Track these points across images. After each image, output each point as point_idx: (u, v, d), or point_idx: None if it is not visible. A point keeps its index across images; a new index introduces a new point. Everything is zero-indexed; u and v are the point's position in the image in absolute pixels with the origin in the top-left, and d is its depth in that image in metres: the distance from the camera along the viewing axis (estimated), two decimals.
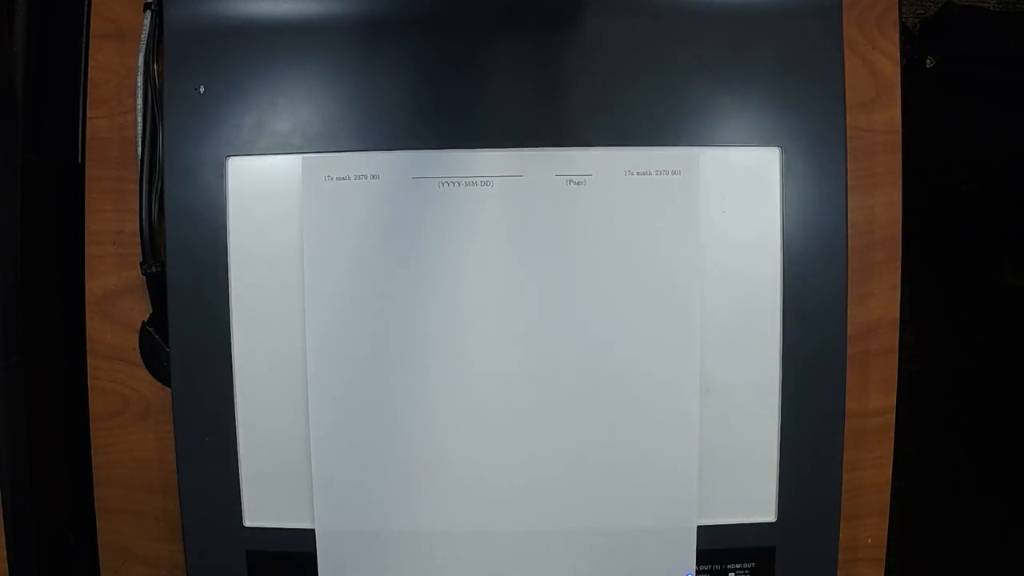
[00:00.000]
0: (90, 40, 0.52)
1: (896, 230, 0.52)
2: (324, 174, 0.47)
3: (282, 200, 0.47)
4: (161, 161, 0.48)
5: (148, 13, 0.49)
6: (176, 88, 0.48)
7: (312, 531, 0.48)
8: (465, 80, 0.47)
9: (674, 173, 0.47)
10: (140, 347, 0.51)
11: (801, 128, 0.47)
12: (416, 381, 0.47)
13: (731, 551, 0.49)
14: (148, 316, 0.51)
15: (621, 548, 0.48)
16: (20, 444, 0.50)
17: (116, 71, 0.51)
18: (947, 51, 0.86)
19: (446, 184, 0.47)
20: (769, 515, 0.49)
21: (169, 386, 0.49)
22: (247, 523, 0.49)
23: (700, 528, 0.48)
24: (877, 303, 0.52)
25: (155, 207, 0.49)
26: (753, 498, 0.48)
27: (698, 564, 0.49)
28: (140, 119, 0.49)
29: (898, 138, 0.51)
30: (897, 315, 0.52)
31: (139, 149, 0.49)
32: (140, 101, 0.49)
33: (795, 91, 0.47)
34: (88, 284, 0.52)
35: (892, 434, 0.52)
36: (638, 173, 0.47)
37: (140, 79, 0.49)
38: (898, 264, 0.51)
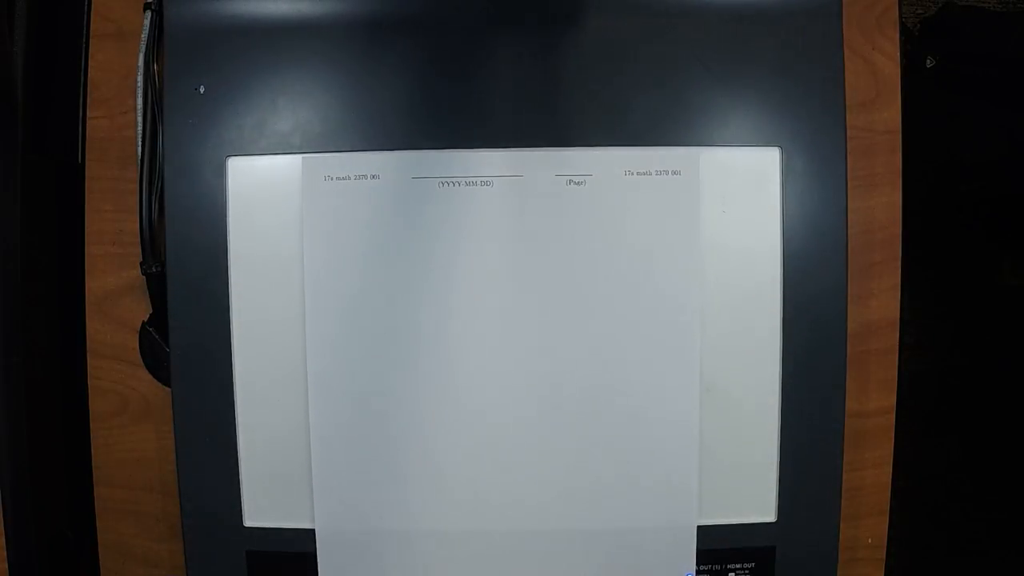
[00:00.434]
0: (90, 40, 0.52)
1: (896, 230, 0.52)
2: (324, 174, 0.47)
3: (282, 200, 0.47)
4: (161, 161, 0.48)
5: (148, 13, 0.49)
6: (176, 88, 0.48)
7: (312, 531, 0.48)
8: (465, 80, 0.47)
9: (674, 173, 0.47)
10: (140, 347, 0.51)
11: (801, 128, 0.47)
12: (416, 381, 0.47)
13: (731, 551, 0.49)
14: (148, 316, 0.51)
15: (621, 548, 0.48)
16: (20, 444, 0.50)
17: (116, 71, 0.51)
18: (947, 51, 0.86)
19: (446, 184, 0.47)
20: (769, 515, 0.49)
21: (169, 386, 0.49)
22: (247, 523, 0.49)
23: (700, 528, 0.48)
24: (877, 303, 0.52)
25: (155, 207, 0.49)
26: (753, 498, 0.48)
27: (698, 564, 0.49)
28: (140, 119, 0.49)
29: (898, 138, 0.51)
30: (897, 315, 0.52)
31: (139, 149, 0.49)
32: (140, 101, 0.49)
33: (795, 91, 0.47)
34: (88, 284, 0.52)
35: (892, 434, 0.52)
36: (638, 173, 0.47)
37: (140, 79, 0.49)
38: (898, 264, 0.51)
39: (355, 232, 0.47)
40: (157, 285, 0.50)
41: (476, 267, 0.47)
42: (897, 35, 0.51)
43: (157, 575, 0.53)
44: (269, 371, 0.48)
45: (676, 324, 0.47)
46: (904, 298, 0.52)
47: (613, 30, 0.48)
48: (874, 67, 0.51)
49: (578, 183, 0.47)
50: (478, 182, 0.47)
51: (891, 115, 0.51)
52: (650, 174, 0.47)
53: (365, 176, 0.47)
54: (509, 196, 0.47)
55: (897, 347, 0.52)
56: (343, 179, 0.47)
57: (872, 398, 0.52)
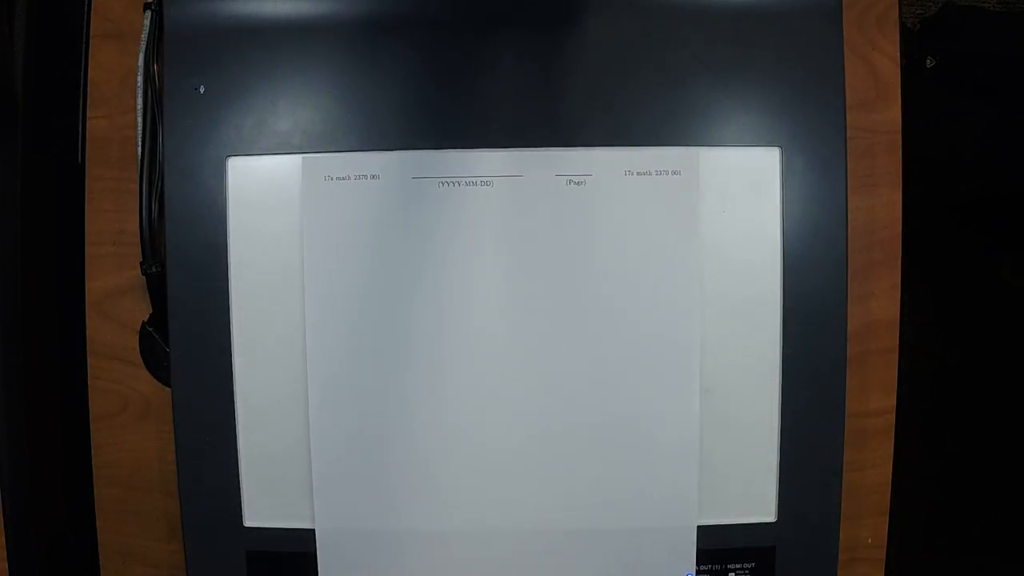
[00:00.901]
0: (90, 40, 0.52)
1: (896, 230, 0.52)
2: (324, 174, 0.47)
3: (282, 200, 0.47)
4: (161, 161, 0.48)
5: (148, 13, 0.49)
6: (176, 88, 0.48)
7: (312, 531, 0.48)
8: (465, 80, 0.47)
9: (674, 173, 0.47)
10: (140, 347, 0.51)
11: (801, 128, 0.47)
12: (416, 382, 0.47)
13: (731, 551, 0.49)
14: (148, 316, 0.51)
15: (621, 548, 0.48)
16: (20, 444, 0.50)
17: (116, 71, 0.51)
18: (947, 51, 0.86)
19: (446, 184, 0.47)
20: (769, 515, 0.49)
21: (169, 386, 0.49)
22: (247, 523, 0.49)
23: (700, 528, 0.48)
24: (877, 303, 0.52)
25: (155, 207, 0.49)
26: (753, 498, 0.48)
27: (698, 564, 0.49)
28: (140, 119, 0.49)
29: (898, 138, 0.51)
30: (897, 315, 0.52)
31: (139, 149, 0.49)
32: (140, 101, 0.49)
33: (795, 91, 0.47)
34: (88, 284, 0.52)
35: (892, 434, 0.52)
36: (638, 173, 0.47)
37: (140, 79, 0.49)
38: (898, 264, 0.51)
39: (355, 232, 0.47)
40: (157, 285, 0.50)
41: (476, 267, 0.47)
42: (897, 35, 0.51)
43: (157, 575, 0.53)
44: (269, 371, 0.48)
45: (676, 324, 0.47)
46: (904, 298, 0.52)
47: (613, 30, 0.48)
48: (874, 67, 0.51)
49: (578, 183, 0.47)
50: (478, 182, 0.47)
51: (891, 115, 0.51)
52: (650, 174, 0.47)
53: (365, 176, 0.47)
54: (509, 196, 0.47)
55: (897, 347, 0.52)
56: (343, 179, 0.47)
57: (872, 398, 0.52)
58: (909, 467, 0.54)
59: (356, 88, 0.47)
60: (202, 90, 0.47)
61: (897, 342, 0.52)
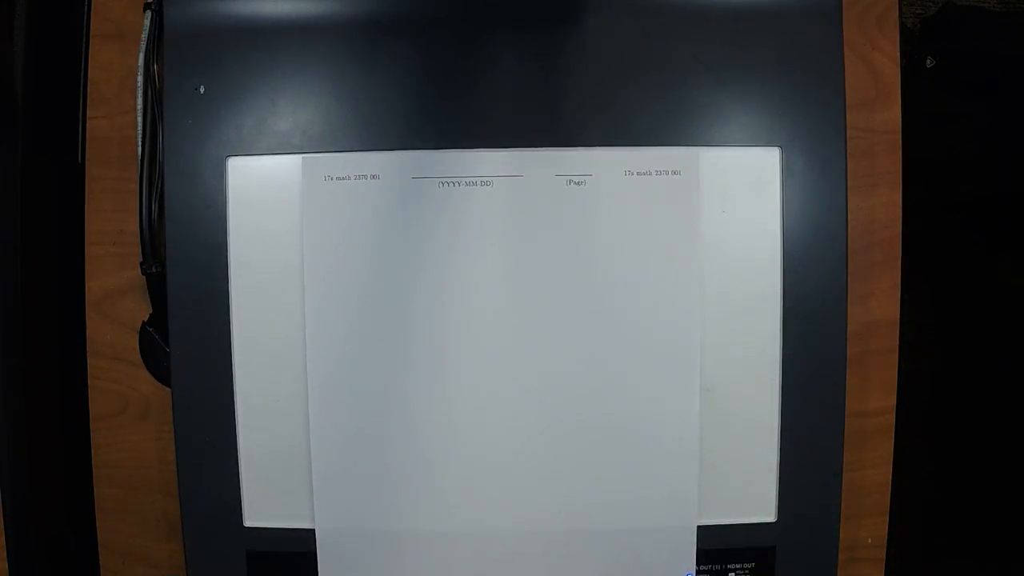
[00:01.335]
0: (90, 40, 0.52)
1: (896, 230, 0.52)
2: (324, 174, 0.47)
3: (282, 200, 0.47)
4: (161, 161, 0.48)
5: (148, 13, 0.49)
6: (176, 88, 0.48)
7: (312, 531, 0.48)
8: (465, 80, 0.47)
9: (674, 173, 0.47)
10: (140, 347, 0.51)
11: (801, 128, 0.47)
12: (416, 382, 0.47)
13: (731, 551, 0.49)
14: (148, 316, 0.51)
15: (621, 548, 0.48)
16: (20, 444, 0.50)
17: (116, 71, 0.51)
18: (947, 51, 0.86)
19: (446, 184, 0.47)
20: (769, 515, 0.49)
21: (169, 386, 0.49)
22: (247, 523, 0.49)
23: (700, 528, 0.48)
24: (877, 303, 0.52)
25: (155, 207, 0.49)
26: (753, 498, 0.48)
27: (698, 564, 0.49)
28: (140, 119, 0.49)
29: (898, 138, 0.51)
30: (897, 315, 0.52)
31: (139, 149, 0.49)
32: (140, 101, 0.49)
33: (795, 91, 0.47)
34: (88, 284, 0.52)
35: (892, 434, 0.52)
36: (638, 173, 0.47)
37: (140, 79, 0.49)
38: (898, 264, 0.52)
39: (355, 232, 0.47)
40: (157, 285, 0.50)
41: (476, 267, 0.47)
42: (897, 35, 0.51)
43: (157, 575, 0.53)
44: (269, 371, 0.48)
45: (676, 324, 0.47)
46: (904, 298, 0.52)
47: (613, 30, 0.48)
48: (874, 67, 0.51)
49: (578, 183, 0.47)
50: (478, 182, 0.47)
51: (891, 115, 0.51)
52: (650, 174, 0.47)
53: (365, 176, 0.47)
54: (509, 196, 0.47)
55: (897, 347, 0.52)
56: (343, 179, 0.47)
57: (872, 398, 0.52)
58: (909, 467, 0.54)
59: (356, 88, 0.47)
60: (202, 90, 0.47)
61: (897, 342, 0.52)
